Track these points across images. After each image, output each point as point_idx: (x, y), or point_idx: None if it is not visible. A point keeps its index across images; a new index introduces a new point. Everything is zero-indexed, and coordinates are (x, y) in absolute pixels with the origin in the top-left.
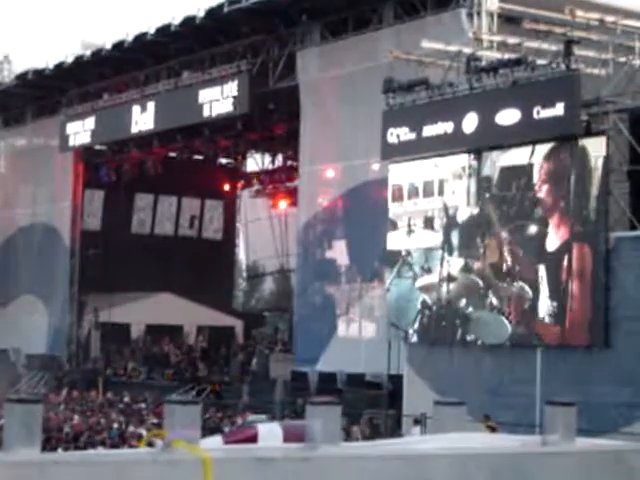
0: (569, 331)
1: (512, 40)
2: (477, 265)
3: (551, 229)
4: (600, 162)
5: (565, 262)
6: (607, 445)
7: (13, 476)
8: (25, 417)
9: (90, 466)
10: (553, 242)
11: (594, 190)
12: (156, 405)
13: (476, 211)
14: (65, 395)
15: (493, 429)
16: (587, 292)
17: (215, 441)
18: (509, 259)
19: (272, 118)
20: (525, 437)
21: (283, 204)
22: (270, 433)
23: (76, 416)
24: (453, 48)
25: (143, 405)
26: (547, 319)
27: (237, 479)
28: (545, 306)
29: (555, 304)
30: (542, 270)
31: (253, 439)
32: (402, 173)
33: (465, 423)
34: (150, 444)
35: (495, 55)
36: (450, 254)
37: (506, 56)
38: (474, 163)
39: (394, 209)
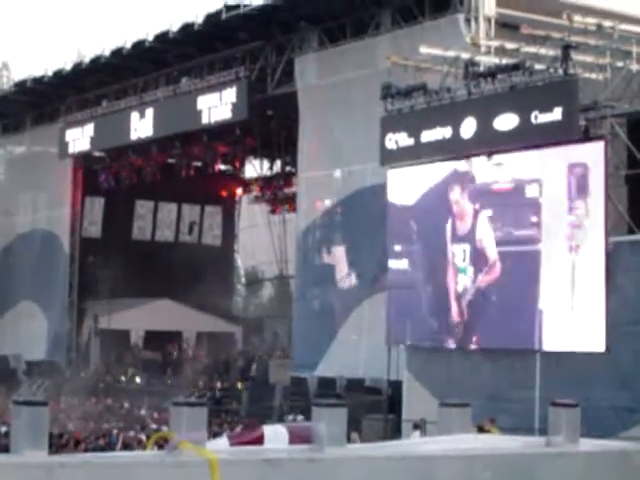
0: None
1: (510, 45)
2: None
3: None
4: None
5: None
6: (611, 445)
7: (20, 478)
8: (32, 419)
9: (97, 468)
10: None
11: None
12: (157, 411)
13: None
14: (65, 401)
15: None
16: None
17: (221, 443)
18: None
19: (270, 124)
20: (529, 438)
21: (282, 210)
22: (276, 435)
23: (76, 422)
24: (451, 53)
25: (143, 411)
26: None
27: None
28: None
29: None
30: None
31: (259, 441)
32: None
33: (470, 425)
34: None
35: (493, 60)
36: None
37: (504, 61)
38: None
39: None
